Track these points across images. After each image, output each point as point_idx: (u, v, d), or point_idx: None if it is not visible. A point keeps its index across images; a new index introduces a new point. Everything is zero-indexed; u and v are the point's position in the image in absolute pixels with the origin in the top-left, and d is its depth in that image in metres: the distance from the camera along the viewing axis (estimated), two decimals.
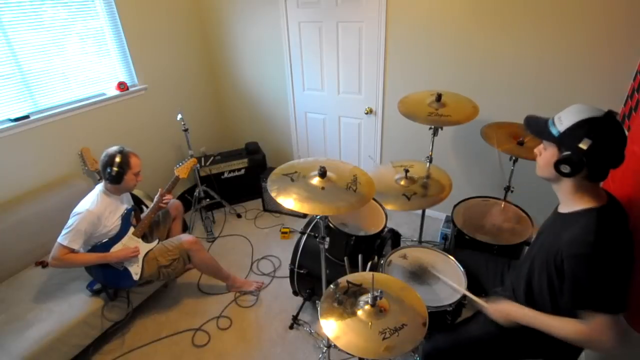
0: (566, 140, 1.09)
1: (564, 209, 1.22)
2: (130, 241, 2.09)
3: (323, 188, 1.45)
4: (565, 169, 1.09)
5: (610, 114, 1.06)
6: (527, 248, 1.97)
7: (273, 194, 1.43)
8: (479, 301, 1.43)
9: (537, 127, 1.20)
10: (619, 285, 1.05)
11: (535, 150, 1.24)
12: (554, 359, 1.39)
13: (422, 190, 2.00)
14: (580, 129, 1.06)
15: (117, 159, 1.95)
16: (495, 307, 1.35)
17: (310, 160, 1.64)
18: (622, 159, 1.08)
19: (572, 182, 1.13)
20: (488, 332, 1.43)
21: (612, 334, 1.06)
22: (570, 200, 1.18)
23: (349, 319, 1.32)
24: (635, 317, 1.34)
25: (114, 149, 2.00)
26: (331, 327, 1.30)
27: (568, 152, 1.08)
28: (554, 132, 1.12)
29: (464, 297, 1.56)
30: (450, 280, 1.60)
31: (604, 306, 1.06)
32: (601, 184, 1.18)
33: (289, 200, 1.39)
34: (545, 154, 1.18)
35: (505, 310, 1.32)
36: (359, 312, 1.33)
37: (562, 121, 1.11)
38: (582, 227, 1.09)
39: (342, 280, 1.48)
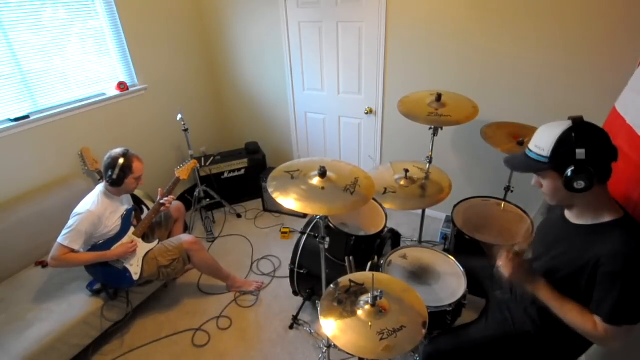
0: (560, 160, 1.07)
1: (580, 220, 1.19)
2: (129, 240, 2.08)
3: (323, 188, 1.45)
4: (580, 185, 1.06)
5: (576, 119, 1.07)
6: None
7: (270, 190, 1.44)
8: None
9: (524, 164, 1.17)
10: None
11: (535, 183, 1.22)
12: None
13: (419, 191, 2.00)
14: (565, 145, 1.06)
15: (120, 162, 1.95)
16: (514, 264, 1.25)
17: (316, 160, 1.63)
18: (616, 149, 1.08)
19: (589, 194, 1.10)
20: (489, 336, 1.43)
21: (626, 338, 1.09)
22: (590, 213, 1.16)
23: (349, 319, 1.32)
24: None
25: (118, 151, 1.99)
26: (331, 326, 1.30)
27: (571, 169, 1.05)
28: (542, 159, 1.10)
29: (464, 296, 1.56)
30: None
31: (635, 320, 1.07)
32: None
33: (288, 200, 1.39)
34: (548, 183, 1.15)
35: (524, 272, 1.24)
36: (359, 312, 1.33)
37: (542, 147, 1.10)
38: (620, 240, 1.07)
39: (344, 280, 1.48)
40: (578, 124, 1.06)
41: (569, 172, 1.05)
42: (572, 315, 1.17)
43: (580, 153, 1.03)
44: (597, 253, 1.10)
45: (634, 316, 1.07)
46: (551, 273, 1.25)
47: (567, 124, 1.07)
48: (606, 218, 1.13)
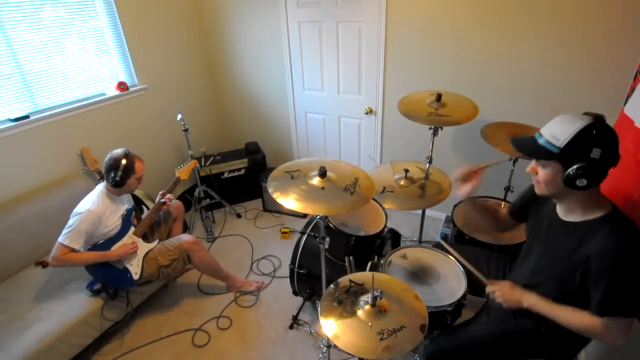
0: (571, 154, 1.05)
1: (570, 217, 1.20)
2: (130, 240, 2.09)
3: (323, 188, 1.45)
4: (582, 182, 1.04)
5: (600, 118, 1.06)
6: None
7: (270, 190, 1.44)
8: (483, 279, 1.42)
9: (531, 148, 1.14)
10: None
11: (530, 170, 1.20)
12: (555, 358, 1.39)
13: (418, 191, 2.00)
14: (583, 139, 1.03)
15: (123, 163, 1.95)
16: (505, 291, 1.32)
17: (316, 160, 1.63)
18: (619, 156, 1.07)
19: (583, 192, 1.10)
20: (490, 333, 1.42)
21: (626, 332, 1.10)
22: (579, 210, 1.16)
23: (349, 319, 1.32)
24: None
25: (119, 152, 1.99)
26: (331, 326, 1.30)
27: (580, 165, 1.03)
28: (553, 149, 1.07)
29: (464, 296, 1.56)
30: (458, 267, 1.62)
31: (629, 312, 1.08)
32: None
33: (288, 200, 1.39)
34: (546, 172, 1.13)
35: (516, 295, 1.29)
36: (359, 312, 1.33)
37: (558, 136, 1.06)
38: (608, 236, 1.08)
39: (344, 280, 1.48)
40: (600, 122, 1.04)
41: (574, 167, 1.04)
42: (568, 318, 1.18)
43: (596, 152, 1.01)
44: (587, 251, 1.11)
45: (625, 307, 1.08)
46: (541, 271, 1.27)
47: (587, 119, 1.04)
48: (595, 214, 1.13)
